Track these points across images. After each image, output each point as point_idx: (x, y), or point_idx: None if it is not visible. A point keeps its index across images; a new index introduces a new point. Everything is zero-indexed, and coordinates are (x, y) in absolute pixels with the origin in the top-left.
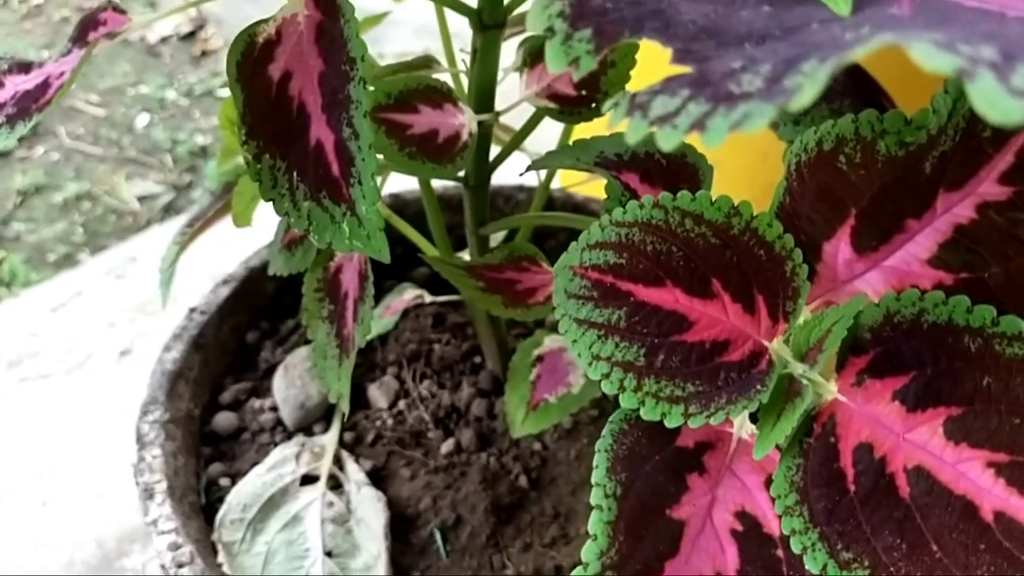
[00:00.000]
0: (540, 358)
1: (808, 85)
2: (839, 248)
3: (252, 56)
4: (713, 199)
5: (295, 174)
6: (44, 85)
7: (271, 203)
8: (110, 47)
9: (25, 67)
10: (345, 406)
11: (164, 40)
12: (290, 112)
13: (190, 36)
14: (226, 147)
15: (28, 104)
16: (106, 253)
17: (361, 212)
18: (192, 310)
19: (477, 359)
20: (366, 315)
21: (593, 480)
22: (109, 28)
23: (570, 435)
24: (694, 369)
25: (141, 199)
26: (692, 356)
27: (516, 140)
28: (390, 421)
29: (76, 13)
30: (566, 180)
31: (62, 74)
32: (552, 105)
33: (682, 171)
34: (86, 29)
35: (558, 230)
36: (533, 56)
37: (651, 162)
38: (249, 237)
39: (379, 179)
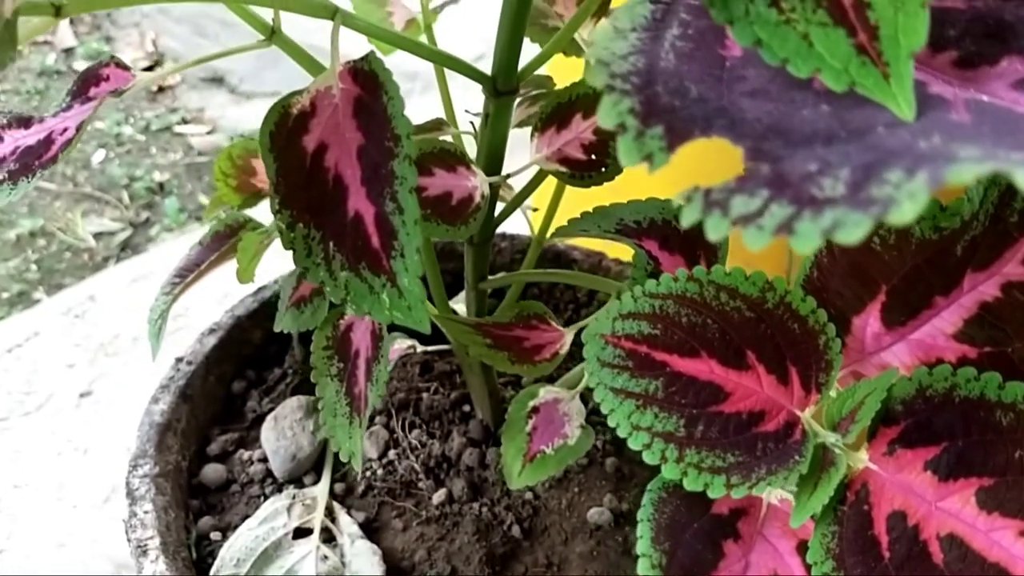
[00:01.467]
0: (536, 409)
1: (908, 203)
2: (868, 322)
3: (286, 127)
4: (747, 274)
5: (331, 244)
6: (47, 141)
7: (305, 271)
8: (64, 80)
9: (25, 121)
10: (358, 465)
11: None
12: (325, 183)
13: (146, 72)
14: (217, 198)
15: (31, 160)
16: (64, 292)
17: (403, 284)
18: (179, 360)
19: (466, 407)
20: (380, 375)
21: (639, 551)
22: (113, 85)
23: (561, 484)
24: (732, 439)
25: (97, 236)
26: (730, 427)
27: (519, 198)
28: (380, 471)
29: (28, 47)
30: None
31: (65, 130)
32: (563, 169)
33: (700, 238)
34: (87, 84)
35: None
36: (544, 120)
37: (669, 229)
38: (209, 278)
39: None
